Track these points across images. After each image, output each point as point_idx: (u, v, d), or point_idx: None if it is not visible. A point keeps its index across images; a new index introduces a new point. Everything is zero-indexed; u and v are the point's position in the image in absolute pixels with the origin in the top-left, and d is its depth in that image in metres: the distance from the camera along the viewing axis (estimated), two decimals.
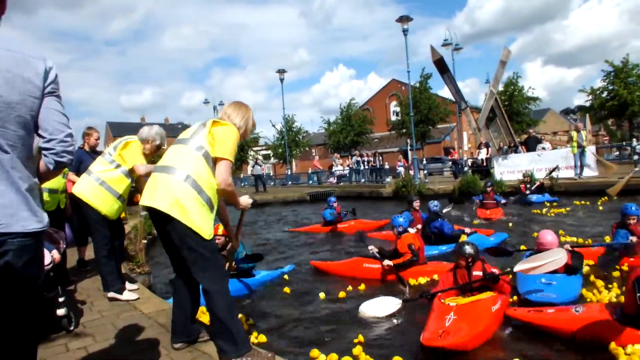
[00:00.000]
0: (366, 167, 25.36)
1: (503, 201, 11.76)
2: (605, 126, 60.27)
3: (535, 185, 14.26)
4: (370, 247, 6.64)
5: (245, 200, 3.25)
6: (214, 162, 2.75)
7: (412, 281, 6.01)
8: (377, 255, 6.39)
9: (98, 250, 4.23)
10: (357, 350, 3.86)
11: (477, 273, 4.60)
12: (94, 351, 3.10)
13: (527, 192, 13.85)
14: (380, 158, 27.59)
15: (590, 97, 30.43)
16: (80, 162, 5.39)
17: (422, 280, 6.03)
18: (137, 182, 4.40)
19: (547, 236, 5.26)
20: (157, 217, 2.71)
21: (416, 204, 9.33)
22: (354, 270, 6.62)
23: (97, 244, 4.26)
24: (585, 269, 5.68)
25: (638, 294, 3.40)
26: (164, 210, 2.60)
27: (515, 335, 4.18)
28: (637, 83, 28.24)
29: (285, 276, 6.71)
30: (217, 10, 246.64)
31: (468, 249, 4.72)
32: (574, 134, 15.78)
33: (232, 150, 2.79)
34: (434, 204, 8.72)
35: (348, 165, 27.55)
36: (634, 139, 22.90)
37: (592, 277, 5.50)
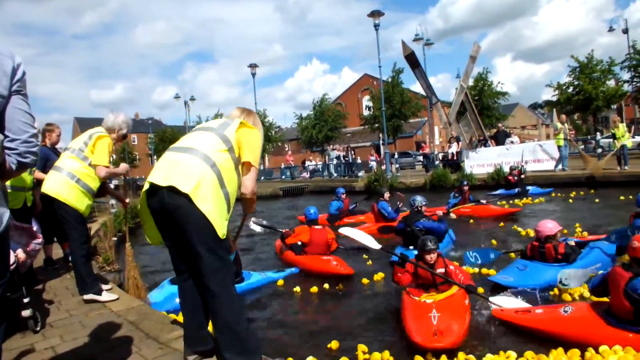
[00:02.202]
0: (342, 161, 25.33)
1: (483, 201, 11.23)
2: (571, 120, 61.81)
3: (521, 176, 14.06)
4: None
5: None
6: (241, 164, 2.53)
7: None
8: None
9: (76, 250, 4.03)
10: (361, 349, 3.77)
11: (440, 270, 4.59)
12: (62, 351, 3.04)
13: (518, 180, 13.62)
14: (353, 152, 27.67)
15: (556, 92, 31.16)
16: (47, 159, 5.27)
17: None
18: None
19: (548, 224, 5.36)
20: (166, 202, 2.32)
21: (387, 195, 9.97)
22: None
23: (74, 244, 4.05)
24: None
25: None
26: (188, 192, 2.23)
27: (501, 332, 4.10)
28: (601, 78, 29.09)
29: (280, 281, 6.14)
30: (191, 4, 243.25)
31: (432, 245, 4.65)
32: (559, 125, 15.85)
33: (259, 157, 2.60)
34: (416, 200, 7.65)
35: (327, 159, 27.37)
36: (598, 133, 23.59)
37: None
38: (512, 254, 6.34)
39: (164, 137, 52.14)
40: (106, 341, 3.20)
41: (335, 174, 25.13)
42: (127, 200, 5.09)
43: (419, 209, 7.56)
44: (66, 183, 3.95)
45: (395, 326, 4.39)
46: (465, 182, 11.69)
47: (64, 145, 5.42)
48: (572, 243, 5.53)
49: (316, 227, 7.05)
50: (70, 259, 4.56)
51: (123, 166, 4.57)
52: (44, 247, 5.50)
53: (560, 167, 16.14)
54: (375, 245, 5.09)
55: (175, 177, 2.29)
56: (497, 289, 5.14)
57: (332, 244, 6.95)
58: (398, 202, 10.11)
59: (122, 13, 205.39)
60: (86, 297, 4.08)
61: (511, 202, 11.95)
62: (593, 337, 3.50)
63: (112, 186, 5.04)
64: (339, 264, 6.32)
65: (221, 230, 2.33)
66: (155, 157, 52.40)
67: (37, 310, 3.53)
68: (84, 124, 67.45)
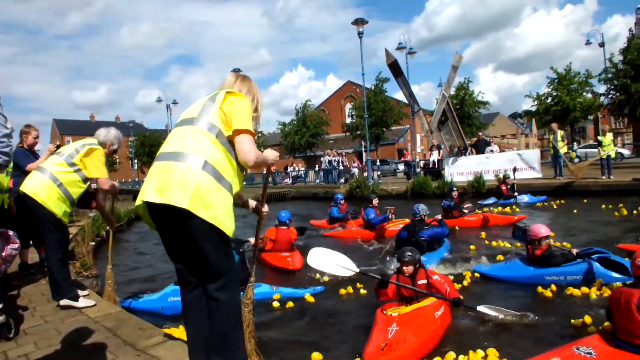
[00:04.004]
0: (339, 167, 24.81)
1: (465, 210, 11.02)
2: (549, 130, 62.92)
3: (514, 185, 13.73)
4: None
5: (272, 153, 2.69)
6: (230, 139, 2.35)
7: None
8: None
9: (51, 254, 3.96)
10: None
11: (422, 282, 4.45)
12: (36, 358, 2.99)
13: (514, 193, 13.36)
14: (344, 158, 27.62)
15: (535, 102, 31.75)
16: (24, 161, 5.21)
17: None
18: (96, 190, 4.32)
19: (541, 229, 5.57)
20: (165, 217, 2.22)
21: (375, 201, 9.97)
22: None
23: (50, 247, 3.99)
24: None
25: None
26: (185, 207, 2.12)
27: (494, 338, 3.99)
28: (579, 90, 29.79)
29: (276, 297, 5.55)
30: (178, 6, 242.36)
31: (415, 256, 4.51)
32: (551, 135, 15.90)
33: (251, 123, 2.41)
34: (419, 209, 7.70)
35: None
36: (575, 143, 24.09)
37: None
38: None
39: (145, 140, 51.60)
40: (82, 348, 3.15)
41: (318, 180, 25.13)
42: (114, 223, 5.01)
43: (422, 217, 7.59)
44: (47, 185, 3.90)
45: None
46: (454, 188, 11.74)
47: (42, 148, 5.37)
48: (575, 251, 5.47)
49: (282, 227, 7.99)
50: (45, 263, 4.49)
51: (116, 185, 4.56)
52: (19, 252, 5.39)
53: (533, 174, 16.44)
54: (353, 268, 4.64)
55: (169, 192, 2.15)
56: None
57: (294, 239, 8.07)
58: (389, 212, 9.77)
59: (107, 14, 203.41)
60: (62, 302, 4.01)
61: (495, 210, 12.07)
62: None
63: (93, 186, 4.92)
64: (291, 260, 7.34)
65: (230, 229, 2.25)
66: (135, 160, 51.79)
67: (11, 316, 3.46)
68: (62, 125, 66.52)
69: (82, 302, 4.06)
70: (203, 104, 2.42)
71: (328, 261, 4.51)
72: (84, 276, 5.67)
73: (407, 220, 9.50)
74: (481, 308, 4.44)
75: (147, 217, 2.36)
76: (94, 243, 7.85)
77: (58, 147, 4.89)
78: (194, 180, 2.17)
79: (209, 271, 2.28)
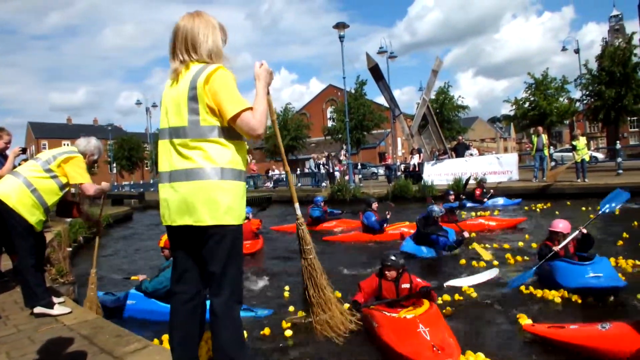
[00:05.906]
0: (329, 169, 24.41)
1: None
2: (527, 135, 64.00)
3: (491, 193, 14.18)
4: None
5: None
6: (230, 124, 2.12)
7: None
8: None
9: (24, 260, 3.83)
10: None
11: (405, 286, 4.39)
12: None
13: (484, 198, 13.74)
14: (335, 161, 27.43)
15: (514, 107, 32.31)
16: None
17: None
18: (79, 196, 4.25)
19: (559, 224, 5.65)
20: (193, 235, 2.15)
21: (374, 205, 9.97)
22: None
23: (22, 253, 3.86)
24: None
25: None
26: (221, 223, 2.08)
27: (533, 351, 3.89)
28: (555, 95, 30.48)
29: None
30: (161, 8, 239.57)
31: (399, 260, 4.44)
32: (535, 138, 16.18)
33: (240, 95, 2.13)
34: (434, 211, 7.94)
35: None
36: (552, 147, 24.50)
37: None
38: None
39: (123, 144, 50.96)
40: (57, 357, 3.06)
41: (300, 184, 25.08)
42: (102, 225, 4.98)
43: (436, 219, 7.93)
44: (20, 189, 3.77)
45: (363, 345, 4.12)
46: (450, 192, 11.59)
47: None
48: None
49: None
50: (17, 269, 4.36)
51: (106, 184, 4.47)
52: None
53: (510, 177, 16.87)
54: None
55: (199, 213, 2.08)
56: None
57: (257, 228, 9.38)
58: (387, 213, 9.70)
59: (88, 14, 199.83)
60: (36, 310, 3.89)
61: (473, 213, 12.19)
62: (632, 355, 3.29)
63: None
64: (250, 246, 8.52)
65: (242, 218, 2.21)
66: (114, 164, 51.09)
67: None
68: (38, 128, 65.22)
69: (57, 310, 3.94)
70: (185, 104, 2.12)
71: None
72: (60, 283, 5.54)
73: (406, 223, 9.82)
74: (448, 283, 4.56)
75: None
76: (70, 249, 7.70)
77: (23, 150, 4.79)
78: (221, 194, 2.09)
79: (220, 277, 2.15)
